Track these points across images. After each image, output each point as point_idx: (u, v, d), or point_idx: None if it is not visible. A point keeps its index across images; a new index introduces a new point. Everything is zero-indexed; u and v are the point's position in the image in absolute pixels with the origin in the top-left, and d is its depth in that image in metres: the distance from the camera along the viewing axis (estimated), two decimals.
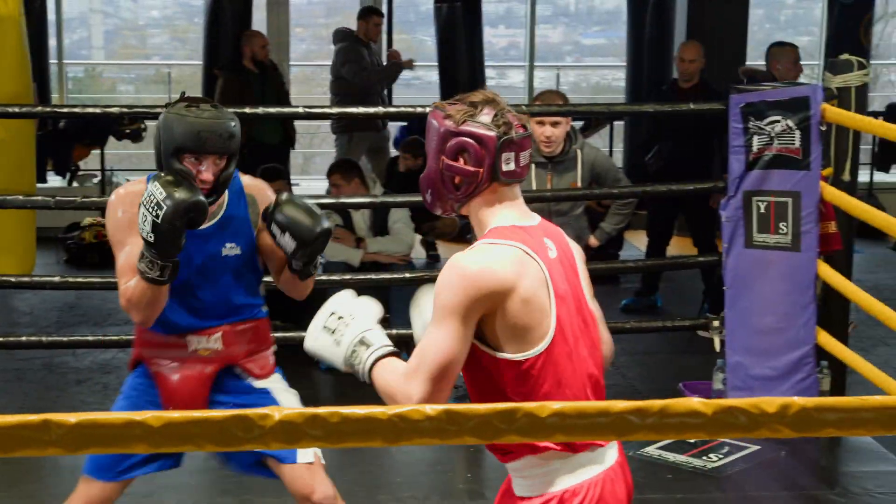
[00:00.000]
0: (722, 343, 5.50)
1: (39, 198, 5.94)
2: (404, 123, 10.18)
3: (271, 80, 8.68)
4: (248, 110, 6.29)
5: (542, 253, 2.46)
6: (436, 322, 2.39)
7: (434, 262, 8.71)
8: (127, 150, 11.30)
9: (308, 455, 3.42)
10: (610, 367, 2.68)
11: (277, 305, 6.52)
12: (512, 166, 2.49)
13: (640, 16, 10.45)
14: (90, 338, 5.96)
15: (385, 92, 9.66)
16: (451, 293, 2.37)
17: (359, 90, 8.86)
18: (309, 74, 11.05)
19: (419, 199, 6.78)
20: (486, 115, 2.49)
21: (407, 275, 5.89)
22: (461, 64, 10.44)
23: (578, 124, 8.94)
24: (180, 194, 3.07)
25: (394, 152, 9.81)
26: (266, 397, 3.42)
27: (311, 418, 1.71)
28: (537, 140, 5.36)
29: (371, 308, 2.59)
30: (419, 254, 7.90)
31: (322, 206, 4.14)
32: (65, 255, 8.71)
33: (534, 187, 5.42)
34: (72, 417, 1.65)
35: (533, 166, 5.41)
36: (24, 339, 5.93)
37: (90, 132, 9.68)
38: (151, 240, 3.09)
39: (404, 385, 2.40)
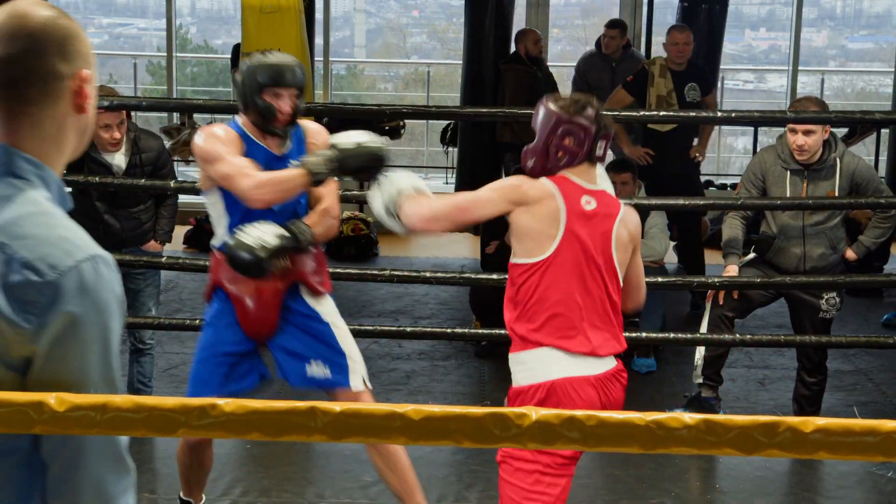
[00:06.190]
0: None
1: None
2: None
3: (546, 76, 8.75)
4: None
5: (574, 201, 3.26)
6: (484, 188, 3.32)
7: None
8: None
9: (359, 383, 3.81)
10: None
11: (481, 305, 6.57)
12: (601, 152, 3.32)
13: None
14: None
15: None
16: (499, 182, 3.35)
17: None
18: (566, 75, 11.05)
19: (677, 202, 6.60)
20: (590, 112, 3.29)
21: (659, 279, 5.78)
22: None
23: (842, 131, 8.64)
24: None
25: None
26: (320, 324, 3.89)
27: (567, 420, 1.71)
28: (790, 148, 5.21)
29: (408, 180, 3.48)
30: (671, 259, 7.76)
31: None
32: (323, 247, 8.98)
33: (787, 194, 5.26)
34: (336, 406, 1.70)
35: (788, 173, 5.26)
36: None
37: (350, 128, 9.92)
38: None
39: (434, 200, 3.39)
